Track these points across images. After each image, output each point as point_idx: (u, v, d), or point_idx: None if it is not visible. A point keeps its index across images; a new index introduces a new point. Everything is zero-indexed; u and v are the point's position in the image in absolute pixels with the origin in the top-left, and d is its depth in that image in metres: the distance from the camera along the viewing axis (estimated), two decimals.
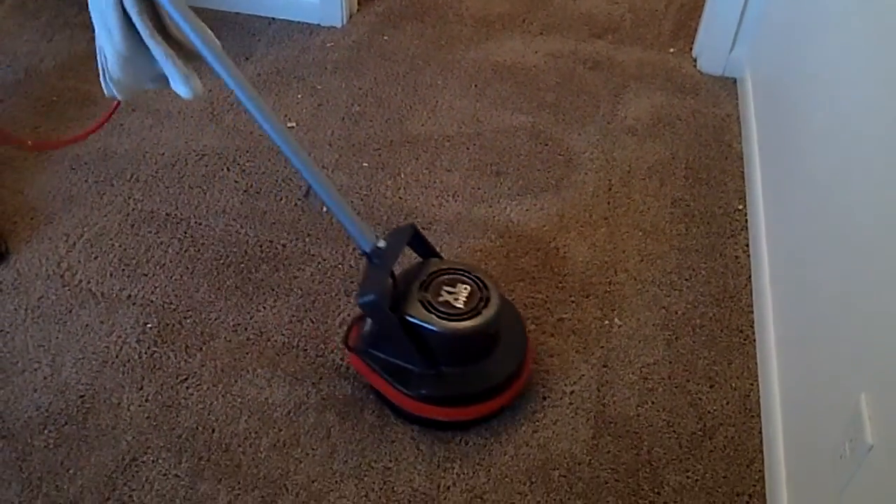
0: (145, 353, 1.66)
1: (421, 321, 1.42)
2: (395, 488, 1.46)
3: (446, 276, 1.49)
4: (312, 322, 1.73)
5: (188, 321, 1.72)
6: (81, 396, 1.60)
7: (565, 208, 2.00)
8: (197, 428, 1.54)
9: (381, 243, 1.46)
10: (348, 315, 1.73)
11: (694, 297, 1.80)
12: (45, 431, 1.54)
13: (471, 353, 1.49)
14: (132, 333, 1.69)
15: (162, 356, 1.65)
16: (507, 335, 1.54)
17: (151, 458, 1.50)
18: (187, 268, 1.84)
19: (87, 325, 1.71)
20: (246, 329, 1.72)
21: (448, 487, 1.46)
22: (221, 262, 1.85)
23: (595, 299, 1.80)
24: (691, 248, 1.91)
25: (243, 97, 1.36)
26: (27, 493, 1.46)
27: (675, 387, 1.63)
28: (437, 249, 1.60)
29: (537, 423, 1.57)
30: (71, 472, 1.48)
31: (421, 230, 1.53)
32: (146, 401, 1.58)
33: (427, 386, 1.47)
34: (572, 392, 1.62)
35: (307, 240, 1.90)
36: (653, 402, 1.61)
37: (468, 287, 1.48)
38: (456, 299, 1.45)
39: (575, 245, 1.91)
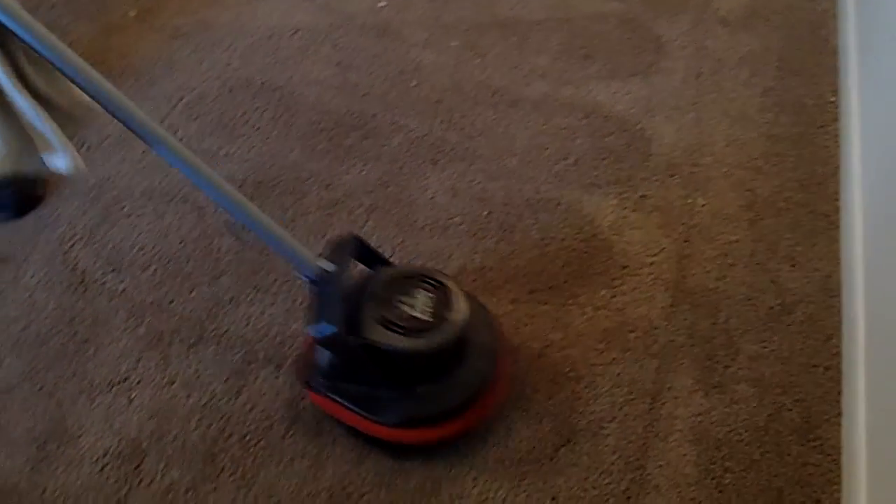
0: None
1: (385, 343, 1.24)
2: None
3: (398, 286, 1.29)
4: (398, 186, 1.78)
5: (282, 179, 1.79)
6: (181, 242, 1.68)
7: (653, 93, 2.00)
8: (286, 275, 1.61)
9: (328, 265, 1.26)
10: (433, 186, 1.78)
11: (780, 182, 1.80)
12: (151, 268, 1.64)
13: (446, 363, 1.32)
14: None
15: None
16: (476, 331, 1.36)
17: (248, 299, 1.58)
18: (281, 131, 1.90)
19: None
20: (336, 189, 1.78)
21: (523, 342, 1.51)
22: (314, 128, 1.91)
23: (679, 179, 1.81)
24: (779, 136, 1.90)
25: (157, 144, 1.13)
26: (132, 320, 1.55)
27: (756, 264, 1.65)
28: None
29: (615, 290, 1.60)
30: (172, 304, 1.57)
31: (363, 238, 1.36)
32: (241, 250, 1.66)
33: (403, 410, 1.31)
34: (652, 263, 1.65)
35: (396, 111, 1.94)
36: (732, 277, 1.63)
37: (425, 291, 1.29)
38: (414, 308, 1.27)
39: (661, 128, 1.92)
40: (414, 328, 1.24)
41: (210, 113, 1.94)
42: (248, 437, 1.39)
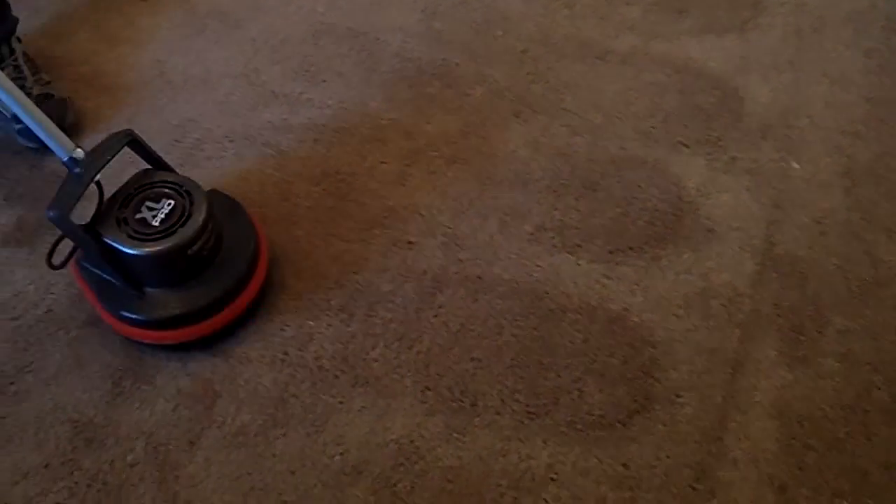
0: (323, 150, 1.72)
1: (111, 240, 1.31)
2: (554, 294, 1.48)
3: (153, 191, 1.36)
4: (479, 137, 1.75)
5: (363, 126, 1.77)
6: (262, 184, 1.68)
7: (749, 50, 1.92)
8: (383, 215, 1.60)
9: (79, 153, 1.30)
10: (515, 139, 1.74)
11: (880, 149, 1.71)
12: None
13: (171, 274, 1.36)
14: (311, 133, 1.76)
15: (337, 157, 1.71)
16: (230, 252, 1.42)
17: (323, 244, 1.57)
18: (363, 78, 1.87)
19: (269, 121, 1.79)
20: (416, 138, 1.75)
21: (600, 304, 1.47)
22: (396, 75, 1.88)
23: (773, 142, 1.73)
24: (883, 100, 1.80)
25: None
26: None
27: (850, 234, 1.57)
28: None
29: (699, 254, 1.55)
30: None
31: (141, 137, 1.38)
32: (320, 195, 1.65)
33: (132, 308, 1.36)
34: (739, 228, 1.59)
35: (479, 61, 1.90)
36: (824, 246, 1.56)
37: (172, 202, 1.34)
38: (154, 217, 1.33)
39: (756, 87, 1.84)
40: (141, 233, 1.31)
41: (294, 57, 1.92)
42: (317, 385, 1.39)
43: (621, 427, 1.34)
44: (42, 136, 1.29)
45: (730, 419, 1.34)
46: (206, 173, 1.69)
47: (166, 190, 1.37)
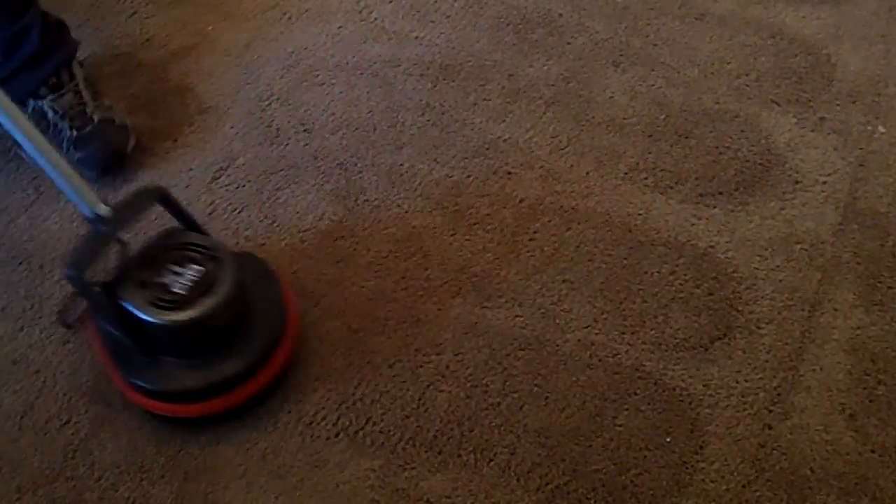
0: (429, 85, 1.82)
1: (129, 304, 1.22)
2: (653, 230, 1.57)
3: (179, 253, 1.27)
4: (578, 83, 1.83)
5: (467, 65, 1.87)
6: (369, 112, 1.78)
7: (842, 21, 1.97)
8: (484, 146, 1.70)
9: (104, 210, 1.22)
10: (613, 87, 1.82)
11: None
12: (339, 133, 1.75)
13: (187, 345, 1.28)
14: (418, 68, 1.86)
15: (442, 92, 1.81)
16: (256, 323, 1.32)
17: (426, 169, 1.68)
18: (470, 21, 1.97)
19: (378, 54, 1.89)
20: (518, 79, 1.84)
21: (688, 240, 1.55)
22: (501, 21, 1.97)
23: (861, 106, 1.79)
24: None
25: None
26: (321, 178, 1.67)
27: None
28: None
29: (785, 202, 1.62)
30: (357, 167, 1.68)
31: (171, 195, 1.31)
32: (424, 125, 1.75)
33: (142, 375, 1.28)
34: (825, 182, 1.65)
35: (582, 13, 1.98)
36: None
37: (201, 269, 1.25)
38: (176, 282, 1.23)
39: (847, 55, 1.89)
40: (161, 299, 1.22)
41: None
42: (421, 294, 1.49)
43: (702, 350, 1.42)
44: (66, 189, 1.23)
45: (806, 351, 1.42)
46: (317, 98, 1.80)
47: (194, 254, 1.27)
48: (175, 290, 1.23)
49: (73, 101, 1.65)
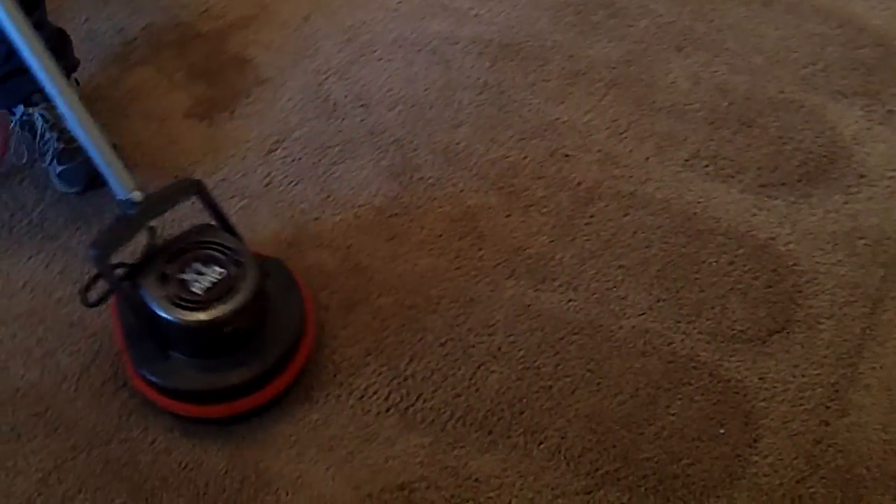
0: (487, 64, 1.81)
1: (147, 296, 1.21)
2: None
3: (206, 252, 1.25)
4: (640, 66, 1.81)
5: (527, 45, 1.85)
6: (426, 89, 1.77)
7: None
8: (542, 127, 1.68)
9: (137, 196, 1.21)
10: (675, 71, 1.79)
11: None
12: (396, 109, 1.74)
13: (198, 346, 1.26)
14: (476, 46, 1.84)
15: (501, 71, 1.79)
16: (272, 332, 1.29)
17: (482, 148, 1.66)
18: (531, 0, 1.94)
19: (437, 31, 1.88)
20: (578, 61, 1.82)
21: (748, 231, 1.52)
22: (562, 1, 1.94)
23: None
24: None
25: None
26: (377, 153, 1.67)
27: None
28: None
29: (849, 196, 1.59)
30: (413, 143, 1.67)
31: (209, 190, 1.30)
32: (481, 104, 1.74)
33: (151, 367, 1.27)
34: (891, 177, 1.62)
35: None
36: None
37: (224, 272, 1.23)
38: (198, 282, 1.22)
39: None
40: (178, 297, 1.21)
41: None
42: (474, 274, 1.48)
43: (760, 344, 1.40)
44: (103, 167, 1.22)
45: (866, 349, 1.39)
46: (374, 74, 1.79)
47: (220, 255, 1.25)
48: (193, 289, 1.22)
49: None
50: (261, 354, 1.27)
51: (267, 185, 1.62)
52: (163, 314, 1.21)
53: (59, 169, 1.55)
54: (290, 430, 1.31)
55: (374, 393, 1.35)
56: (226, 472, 1.27)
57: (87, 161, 1.44)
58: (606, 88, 1.76)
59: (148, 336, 1.26)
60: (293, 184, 1.63)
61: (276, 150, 1.68)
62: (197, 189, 1.29)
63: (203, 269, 1.23)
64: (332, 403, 1.34)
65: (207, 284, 1.22)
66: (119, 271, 1.24)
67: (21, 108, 1.59)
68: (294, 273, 1.38)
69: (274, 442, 1.30)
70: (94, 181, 1.54)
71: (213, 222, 1.34)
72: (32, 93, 1.58)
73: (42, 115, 1.57)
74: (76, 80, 1.68)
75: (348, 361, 1.38)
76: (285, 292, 1.34)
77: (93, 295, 1.24)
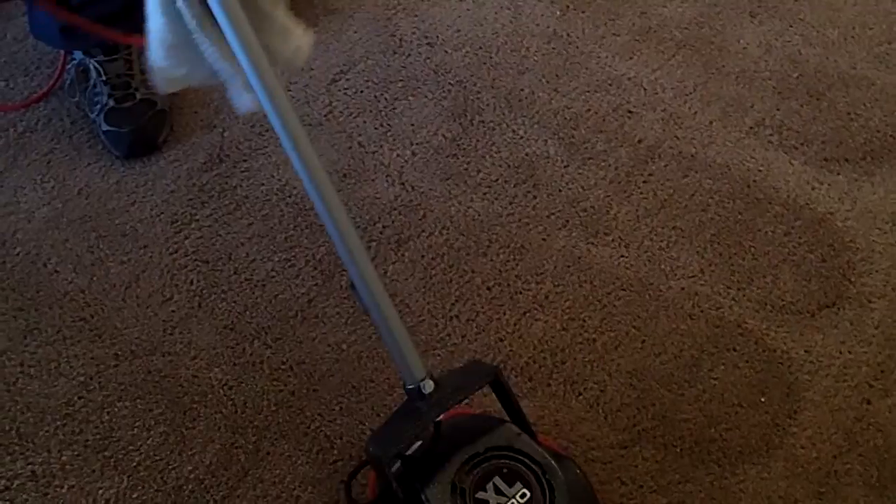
0: (557, 13, 1.79)
1: None
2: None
3: (508, 464, 0.99)
4: (712, 29, 1.78)
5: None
6: (494, 33, 1.75)
7: None
8: (607, 82, 1.66)
9: (428, 387, 0.99)
10: (747, 37, 1.75)
11: None
12: (462, 50, 1.73)
13: None
14: (544, 13, 1.82)
15: (570, 21, 1.77)
16: None
17: (545, 97, 1.65)
18: None
19: None
20: (650, 18, 1.79)
21: (806, 204, 1.50)
22: None
23: None
24: None
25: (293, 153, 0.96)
26: (439, 92, 1.66)
27: None
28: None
29: None
30: (476, 86, 1.66)
31: (505, 379, 1.05)
32: (548, 53, 1.73)
33: None
34: None
35: None
36: None
37: (528, 493, 0.97)
38: (501, 500, 0.96)
39: None
40: None
41: None
42: (527, 222, 1.48)
43: (809, 317, 1.38)
44: (393, 350, 1.01)
45: None
46: (443, 13, 1.80)
47: (525, 469, 0.99)
48: None
49: (121, 69, 1.55)
50: None
51: (327, 114, 1.62)
52: None
53: (106, 128, 1.53)
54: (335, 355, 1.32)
55: (418, 331, 1.35)
56: (263, 393, 1.29)
57: (135, 131, 1.51)
58: (676, 48, 1.73)
59: None
60: (353, 116, 1.63)
61: (339, 80, 1.68)
62: (496, 380, 1.03)
63: (506, 490, 0.98)
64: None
65: None
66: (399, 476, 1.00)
67: (79, 54, 1.57)
68: (587, 481, 1.11)
69: (317, 367, 1.32)
70: (136, 150, 1.54)
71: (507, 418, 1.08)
72: (95, 46, 1.55)
73: (98, 68, 1.55)
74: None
75: (399, 298, 1.38)
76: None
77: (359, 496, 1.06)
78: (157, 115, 1.55)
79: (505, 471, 0.99)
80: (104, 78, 1.53)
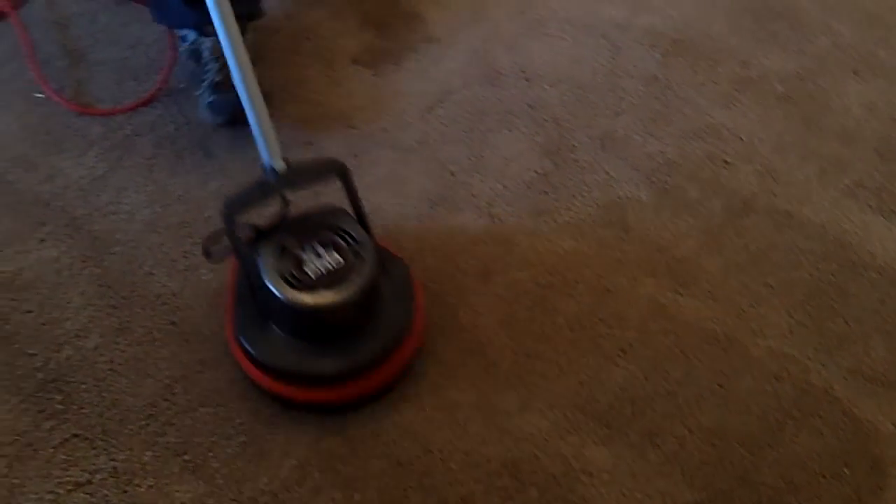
0: (657, 56, 1.78)
1: (261, 264, 1.22)
2: None
3: (331, 235, 1.24)
4: (814, 84, 1.76)
5: (700, 44, 1.81)
6: (592, 72, 1.75)
7: None
8: (704, 129, 1.64)
9: (280, 166, 1.21)
10: (850, 95, 1.73)
11: None
12: (559, 87, 1.73)
13: (297, 327, 1.25)
14: (648, 37, 1.81)
15: (670, 66, 1.76)
16: (376, 330, 1.26)
17: (640, 139, 1.64)
18: (710, 1, 1.90)
19: (611, 17, 1.86)
20: (750, 68, 1.77)
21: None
22: (741, 5, 1.90)
23: None
24: None
25: None
26: (533, 127, 1.66)
27: None
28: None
29: None
30: (570, 125, 1.65)
31: (351, 176, 1.27)
32: (645, 96, 1.72)
33: (248, 333, 1.26)
34: None
35: (830, 12, 1.90)
36: None
37: (342, 260, 1.21)
38: (313, 263, 1.21)
39: None
40: (289, 273, 1.20)
41: None
42: (615, 265, 1.47)
43: None
44: (256, 130, 1.23)
45: None
46: (542, 49, 1.79)
47: (343, 243, 1.24)
48: (307, 269, 1.21)
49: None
50: (359, 349, 1.25)
51: (421, 141, 1.64)
52: (270, 286, 1.20)
53: (210, 98, 1.59)
54: (413, 388, 1.33)
55: (498, 365, 1.35)
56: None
57: (237, 99, 1.50)
58: (777, 101, 1.71)
59: (253, 302, 1.26)
60: (446, 144, 1.64)
61: (435, 108, 1.69)
62: (341, 172, 1.26)
63: (322, 253, 1.23)
64: (456, 369, 1.35)
65: (322, 269, 1.21)
66: (248, 232, 1.25)
67: (192, 35, 1.64)
68: (415, 281, 1.34)
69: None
70: (238, 116, 1.55)
71: (348, 209, 1.31)
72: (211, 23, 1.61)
73: (210, 48, 1.61)
74: (260, 11, 1.69)
75: (479, 330, 1.39)
76: (399, 298, 1.31)
77: (215, 249, 1.26)
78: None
79: (326, 239, 1.23)
80: (216, 56, 1.59)
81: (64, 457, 1.25)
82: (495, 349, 1.37)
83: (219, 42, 1.50)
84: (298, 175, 1.24)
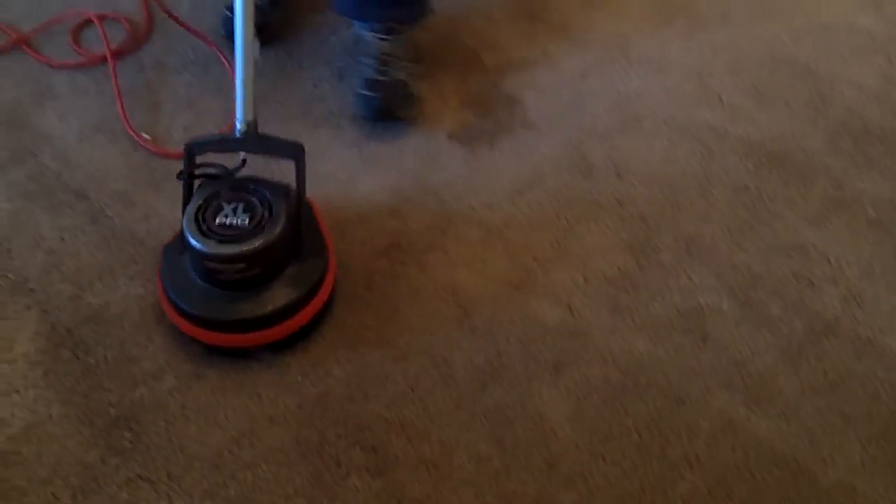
0: (750, 166, 1.79)
1: (188, 201, 1.38)
2: None
3: (256, 203, 1.37)
4: None
5: (795, 159, 1.82)
6: (684, 175, 1.76)
7: None
8: (791, 246, 1.64)
9: (242, 127, 1.38)
10: None
11: None
12: (650, 186, 1.74)
13: (198, 270, 1.38)
14: (743, 146, 1.82)
15: (762, 177, 1.79)
16: (282, 286, 1.38)
17: (724, 245, 1.64)
18: (809, 116, 1.91)
19: (707, 121, 1.87)
20: (844, 190, 1.76)
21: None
22: (841, 125, 1.90)
23: None
24: None
25: None
26: (621, 223, 1.67)
27: None
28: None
29: None
30: (657, 226, 1.66)
31: (304, 162, 1.40)
32: (735, 205, 1.72)
33: (169, 271, 1.42)
34: None
35: None
36: None
37: (247, 220, 1.35)
38: (227, 217, 1.35)
39: None
40: (201, 220, 1.35)
41: (747, 73, 1.98)
42: (689, 373, 1.46)
43: None
44: (238, 87, 1.37)
45: None
46: (636, 146, 1.82)
47: (260, 213, 1.37)
48: (217, 220, 1.34)
49: (391, 49, 1.75)
50: (263, 299, 1.36)
51: (507, 223, 1.66)
52: (184, 226, 1.35)
53: (360, 92, 1.74)
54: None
55: (561, 460, 1.34)
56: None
57: (384, 99, 1.74)
58: (868, 226, 1.70)
59: (179, 239, 1.39)
60: (531, 229, 1.65)
61: (525, 192, 1.72)
62: (297, 155, 1.39)
63: (239, 212, 1.35)
64: (519, 459, 1.34)
65: (227, 223, 1.34)
66: (216, 171, 1.40)
67: (363, 28, 1.77)
68: (325, 236, 1.47)
69: None
70: (381, 116, 1.76)
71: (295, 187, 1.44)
72: (384, 22, 1.77)
73: (372, 41, 1.75)
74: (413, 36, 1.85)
75: (545, 421, 1.39)
76: (313, 252, 1.44)
77: (180, 174, 1.41)
78: (406, 97, 1.77)
79: (250, 205, 1.36)
80: (375, 54, 1.73)
81: (126, 496, 1.28)
82: (559, 443, 1.37)
83: (384, 41, 1.73)
84: (258, 142, 1.40)
